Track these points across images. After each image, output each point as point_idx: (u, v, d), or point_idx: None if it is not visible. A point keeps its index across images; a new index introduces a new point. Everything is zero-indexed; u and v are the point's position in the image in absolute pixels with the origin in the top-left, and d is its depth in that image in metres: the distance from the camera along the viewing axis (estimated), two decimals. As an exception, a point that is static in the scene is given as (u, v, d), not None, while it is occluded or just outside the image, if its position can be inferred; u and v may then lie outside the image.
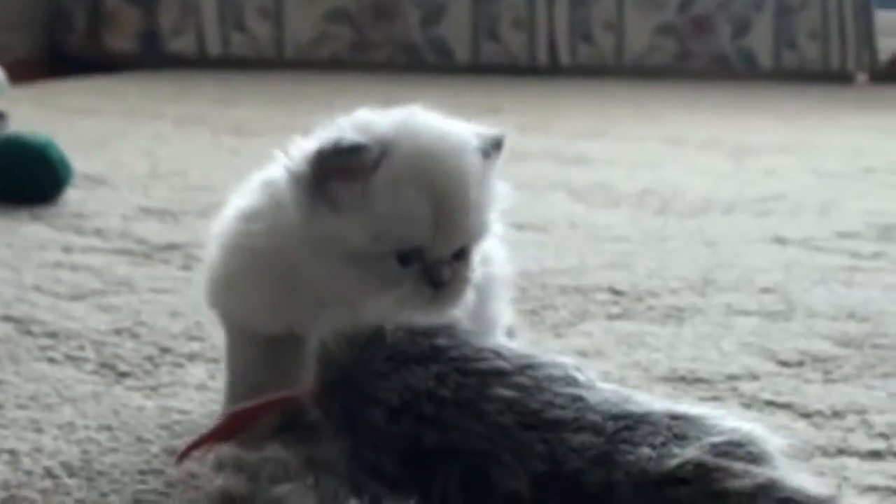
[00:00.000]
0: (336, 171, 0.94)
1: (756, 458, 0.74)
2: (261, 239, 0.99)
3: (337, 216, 0.95)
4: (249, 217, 1.01)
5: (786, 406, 1.18)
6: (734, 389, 1.22)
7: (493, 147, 1.00)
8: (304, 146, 0.97)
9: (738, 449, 0.74)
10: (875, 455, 1.06)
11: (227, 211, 1.05)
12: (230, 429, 0.91)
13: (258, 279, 1.00)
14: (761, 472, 0.71)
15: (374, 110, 1.00)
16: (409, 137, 0.96)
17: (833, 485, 0.78)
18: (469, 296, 1.02)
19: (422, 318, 0.92)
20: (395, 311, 0.92)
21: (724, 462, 0.72)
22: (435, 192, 0.94)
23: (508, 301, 1.15)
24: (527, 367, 0.81)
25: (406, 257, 0.95)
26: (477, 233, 0.99)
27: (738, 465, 0.72)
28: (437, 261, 0.96)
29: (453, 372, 0.80)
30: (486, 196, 0.99)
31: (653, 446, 0.73)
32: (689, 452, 0.72)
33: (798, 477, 0.72)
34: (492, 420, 0.77)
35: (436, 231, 0.95)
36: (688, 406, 0.78)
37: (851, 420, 1.14)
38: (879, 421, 1.14)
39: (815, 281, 1.65)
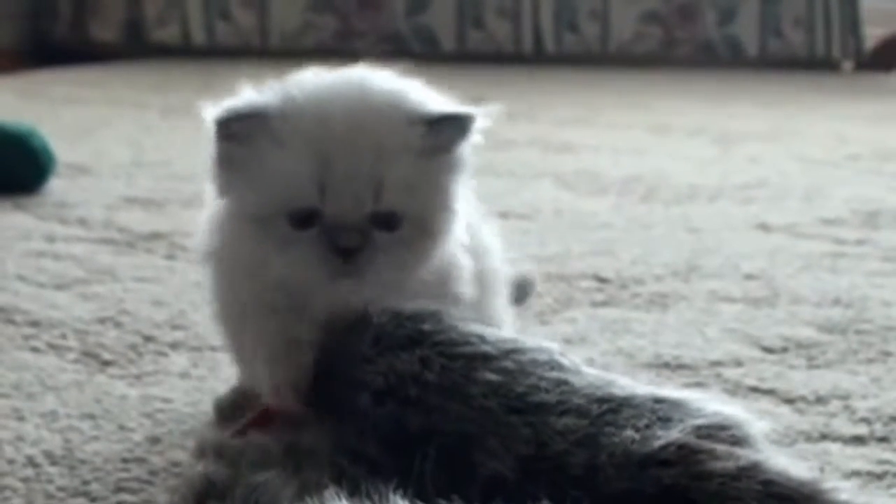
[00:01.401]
0: (227, 134, 0.95)
1: (739, 440, 0.74)
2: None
3: (233, 178, 0.96)
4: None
5: (769, 392, 1.18)
6: (718, 375, 1.22)
7: (443, 121, 0.97)
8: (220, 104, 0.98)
9: (721, 432, 0.74)
10: (858, 440, 1.07)
11: None
12: (265, 419, 0.90)
13: None
14: (744, 455, 0.72)
15: (317, 70, 0.99)
16: (313, 97, 0.95)
17: (815, 467, 0.78)
18: (465, 288, 1.00)
19: (334, 288, 0.92)
20: (297, 272, 0.93)
21: (707, 444, 0.72)
22: (322, 152, 0.93)
23: (507, 297, 1.13)
24: (512, 351, 0.81)
25: (299, 220, 0.94)
26: (402, 203, 0.94)
27: (722, 447, 0.72)
28: (334, 224, 0.93)
29: (438, 356, 0.80)
30: (423, 168, 0.95)
31: (636, 428, 0.73)
32: (673, 434, 0.72)
33: (781, 460, 0.73)
34: (477, 403, 0.77)
35: (323, 193, 0.93)
36: (671, 390, 0.79)
37: (834, 405, 1.14)
38: (862, 406, 1.14)
39: (800, 267, 1.65)
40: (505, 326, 1.07)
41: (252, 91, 0.98)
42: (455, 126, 0.98)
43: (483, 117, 0.99)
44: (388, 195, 0.94)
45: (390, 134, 0.95)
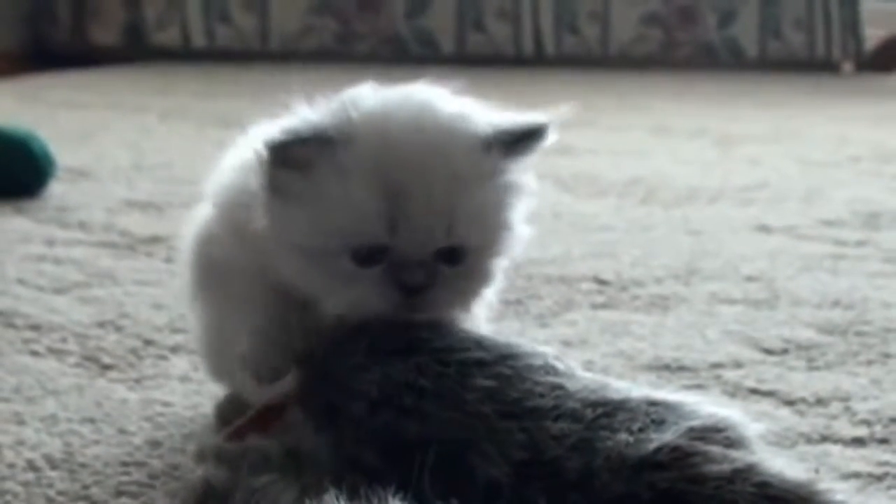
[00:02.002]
0: (282, 160, 0.87)
1: (734, 442, 0.74)
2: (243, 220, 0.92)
3: (287, 207, 0.87)
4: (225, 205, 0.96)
5: (769, 394, 1.18)
6: (718, 377, 1.22)
7: (518, 139, 0.90)
8: (272, 126, 0.90)
9: (716, 434, 0.74)
10: (858, 442, 1.07)
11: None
12: (264, 421, 0.89)
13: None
14: (739, 457, 0.72)
15: (376, 87, 0.91)
16: (377, 123, 0.87)
17: (811, 469, 0.78)
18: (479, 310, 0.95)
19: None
20: (356, 311, 0.86)
21: (701, 446, 0.72)
22: (392, 185, 0.85)
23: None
24: (506, 356, 0.81)
25: (364, 257, 0.87)
26: (469, 235, 0.88)
27: (716, 450, 0.72)
28: (403, 261, 0.86)
29: (433, 363, 0.80)
30: (492, 195, 0.89)
31: (631, 432, 0.73)
32: (667, 437, 0.72)
33: (776, 461, 0.73)
34: (472, 409, 0.77)
35: (394, 229, 0.86)
36: (666, 393, 0.79)
37: (835, 407, 1.14)
38: (863, 408, 1.14)
39: (800, 269, 1.65)
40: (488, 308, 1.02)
41: (307, 109, 0.89)
42: (528, 139, 0.91)
43: (555, 121, 0.92)
44: (460, 228, 0.87)
45: (464, 161, 0.88)
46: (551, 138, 0.93)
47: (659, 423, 0.73)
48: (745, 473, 0.71)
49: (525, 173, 0.92)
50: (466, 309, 0.92)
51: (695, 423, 0.74)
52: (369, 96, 0.90)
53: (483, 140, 0.89)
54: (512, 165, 0.91)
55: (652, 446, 0.72)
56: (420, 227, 0.86)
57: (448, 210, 0.87)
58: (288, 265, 0.89)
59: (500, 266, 0.93)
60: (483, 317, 1.00)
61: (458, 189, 0.87)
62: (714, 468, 0.71)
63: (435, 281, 0.87)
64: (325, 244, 0.87)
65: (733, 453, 0.72)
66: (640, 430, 0.73)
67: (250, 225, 0.90)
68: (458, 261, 0.89)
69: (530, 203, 0.94)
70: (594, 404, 0.76)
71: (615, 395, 0.77)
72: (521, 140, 0.91)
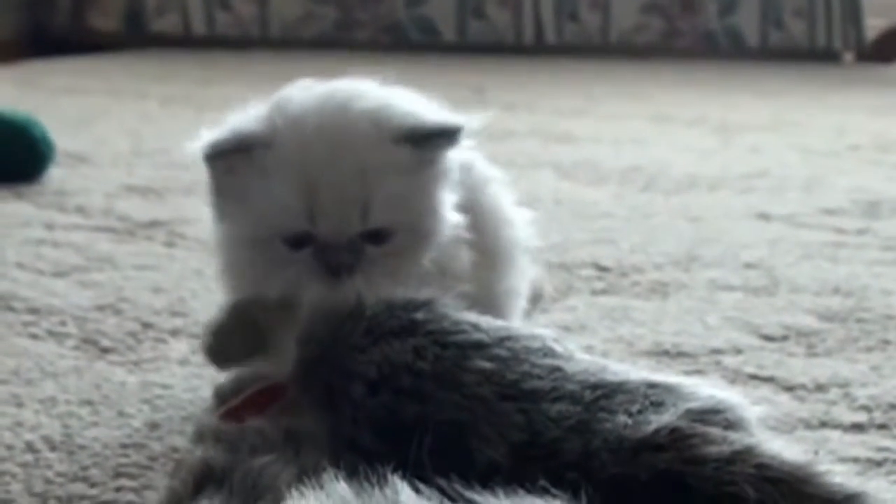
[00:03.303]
0: (216, 166, 0.98)
1: (732, 424, 0.73)
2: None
3: (227, 204, 0.99)
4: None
5: (769, 379, 1.18)
6: (718, 363, 1.22)
7: (430, 136, 0.98)
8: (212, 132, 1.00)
9: (715, 415, 0.73)
10: (857, 427, 1.07)
11: None
12: (262, 402, 0.90)
13: None
14: (738, 439, 0.71)
15: (304, 85, 1.01)
16: (294, 125, 0.97)
17: (809, 451, 0.77)
18: (462, 276, 1.02)
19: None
20: (291, 291, 0.96)
21: (700, 428, 0.72)
22: (306, 180, 0.95)
23: (529, 274, 1.15)
24: (505, 339, 0.81)
25: (293, 241, 0.97)
26: (390, 217, 0.97)
27: (715, 431, 0.72)
28: (325, 245, 0.96)
29: (431, 345, 0.80)
30: (407, 183, 0.97)
31: (629, 413, 0.73)
32: (665, 418, 0.72)
33: (774, 443, 0.72)
34: (470, 391, 0.77)
35: (312, 218, 0.96)
36: (664, 375, 0.78)
37: (834, 393, 1.14)
38: (862, 394, 1.14)
39: (800, 256, 1.65)
40: (517, 298, 1.10)
41: (238, 117, 1.00)
42: (443, 137, 0.99)
43: (470, 125, 1.00)
44: (374, 214, 0.97)
45: (374, 154, 0.97)
46: (464, 141, 1.00)
47: (657, 405, 0.73)
48: (744, 455, 0.71)
49: (449, 165, 1.00)
50: (399, 285, 0.97)
51: (693, 404, 0.73)
52: (295, 99, 1.00)
53: (394, 134, 0.98)
54: (431, 157, 0.99)
55: (650, 428, 0.72)
56: (334, 215, 0.96)
57: (360, 198, 0.96)
58: (234, 255, 1.02)
59: (431, 247, 1.00)
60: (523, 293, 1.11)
61: (369, 179, 0.96)
62: (713, 450, 0.71)
63: (359, 260, 0.97)
64: (259, 233, 0.98)
65: (732, 435, 0.72)
66: (639, 411, 0.73)
67: None
68: (383, 241, 0.98)
69: (456, 192, 1.02)
70: (593, 386, 0.76)
71: (614, 378, 0.77)
72: (434, 137, 0.99)
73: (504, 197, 1.11)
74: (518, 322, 1.08)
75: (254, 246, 0.99)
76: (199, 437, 0.82)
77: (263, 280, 0.99)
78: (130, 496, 0.91)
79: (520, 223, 1.12)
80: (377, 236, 0.97)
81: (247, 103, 1.01)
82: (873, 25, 4.70)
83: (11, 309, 1.33)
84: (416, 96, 1.02)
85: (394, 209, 0.97)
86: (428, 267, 1.00)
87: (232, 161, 0.97)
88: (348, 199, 0.96)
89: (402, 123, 0.98)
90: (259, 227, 0.97)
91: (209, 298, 1.28)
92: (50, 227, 1.69)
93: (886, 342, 1.29)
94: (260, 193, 0.96)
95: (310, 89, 1.01)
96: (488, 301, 1.02)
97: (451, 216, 1.01)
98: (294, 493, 0.69)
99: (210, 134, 0.98)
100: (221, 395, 1.05)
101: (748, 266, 1.59)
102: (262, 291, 0.99)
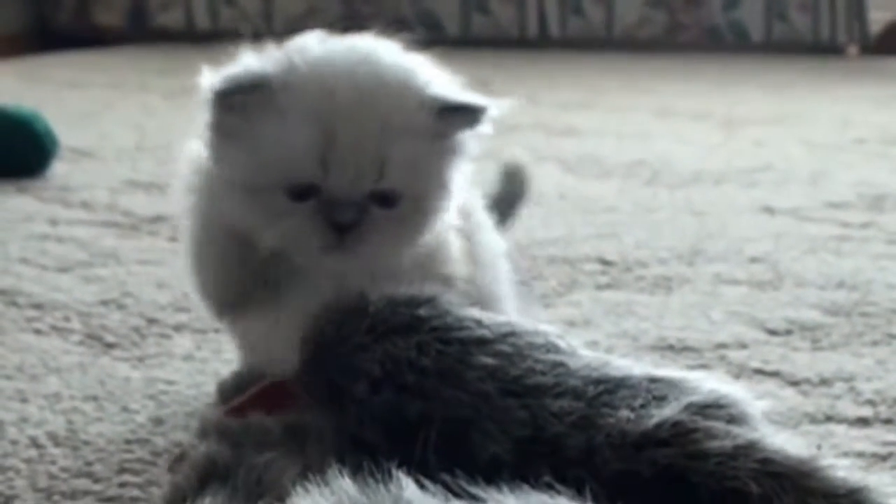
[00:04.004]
0: (223, 104, 0.93)
1: (735, 419, 0.73)
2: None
3: (229, 148, 0.93)
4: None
5: (774, 374, 1.18)
6: (722, 358, 1.22)
7: (462, 113, 0.95)
8: (214, 77, 0.95)
9: (718, 410, 0.73)
10: (862, 422, 1.06)
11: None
12: (266, 399, 0.90)
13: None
14: (741, 433, 0.71)
15: (321, 36, 0.96)
16: (318, 68, 0.92)
17: (812, 445, 0.77)
18: (455, 268, 1.00)
19: (335, 261, 0.92)
20: (289, 244, 0.92)
21: (703, 422, 0.72)
22: (326, 126, 0.91)
23: (508, 277, 1.11)
24: (508, 335, 0.80)
25: (297, 193, 0.92)
26: (404, 182, 0.93)
27: (718, 426, 0.72)
28: (332, 199, 0.92)
29: (435, 341, 0.80)
30: (430, 149, 0.94)
31: (632, 408, 0.73)
32: (667, 412, 0.71)
33: (778, 438, 0.72)
34: (473, 388, 0.77)
35: (325, 168, 0.91)
36: (668, 370, 0.78)
37: (839, 387, 1.14)
38: (867, 388, 1.14)
39: (804, 250, 1.64)
40: (505, 301, 1.07)
41: (252, 58, 0.95)
42: (464, 115, 0.96)
43: (494, 109, 0.97)
44: (390, 173, 0.92)
45: (399, 114, 0.93)
46: (487, 122, 0.97)
47: (660, 400, 0.73)
48: (747, 449, 0.70)
49: (465, 144, 0.97)
50: (395, 256, 0.96)
51: (696, 398, 0.73)
52: (315, 45, 0.95)
53: (420, 98, 0.94)
54: (451, 131, 0.96)
55: (653, 422, 0.71)
56: (349, 169, 0.92)
57: (378, 156, 0.92)
58: (230, 202, 0.95)
59: (434, 223, 0.98)
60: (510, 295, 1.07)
61: (390, 137, 0.92)
62: (715, 444, 0.71)
63: (363, 220, 0.93)
64: (261, 180, 0.92)
65: (735, 429, 0.72)
66: (642, 406, 0.73)
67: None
68: (391, 205, 0.94)
69: (470, 170, 1.00)
70: (596, 381, 0.76)
71: (617, 373, 0.77)
72: (458, 112, 0.95)
73: (475, 204, 1.08)
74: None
75: (252, 194, 0.93)
76: (204, 432, 0.82)
77: (258, 231, 0.94)
78: (134, 492, 0.91)
79: (489, 228, 1.09)
80: (384, 198, 0.93)
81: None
82: (877, 19, 4.69)
83: (15, 304, 1.33)
84: (434, 67, 0.98)
85: (409, 173, 0.93)
86: (420, 259, 0.98)
87: (245, 99, 0.92)
88: (367, 153, 0.91)
89: (430, 90, 0.94)
90: (263, 172, 0.92)
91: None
92: (54, 222, 1.69)
93: (892, 336, 1.29)
94: (271, 136, 0.91)
95: (329, 40, 0.96)
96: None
97: (457, 197, 0.98)
98: (298, 489, 0.69)
99: (222, 71, 0.94)
100: (225, 391, 1.05)
101: (753, 260, 1.59)
102: (255, 242, 0.95)
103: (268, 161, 0.92)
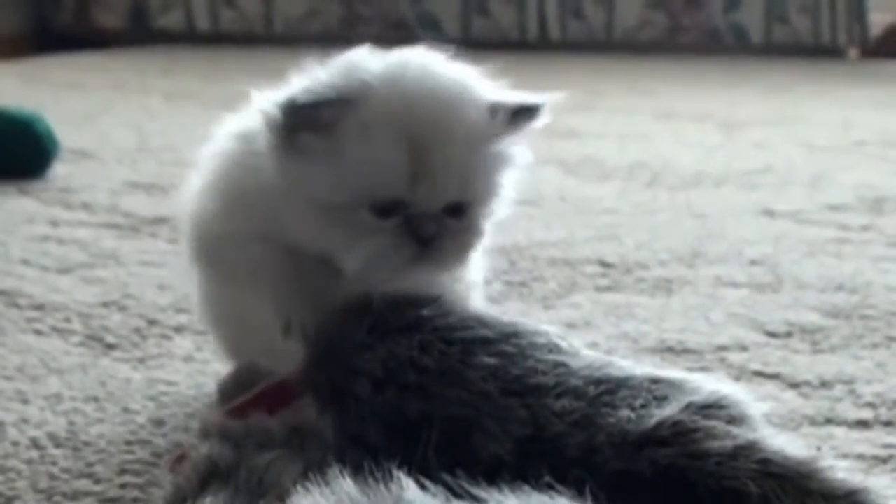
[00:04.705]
0: (304, 121, 0.90)
1: (736, 420, 0.73)
2: (243, 184, 0.95)
3: (306, 166, 0.90)
4: (226, 171, 0.97)
5: (774, 376, 1.18)
6: (722, 360, 1.22)
7: (518, 112, 0.94)
8: (279, 91, 0.93)
9: (718, 410, 0.73)
10: (862, 424, 1.07)
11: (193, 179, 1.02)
12: (268, 399, 0.89)
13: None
14: (741, 434, 0.71)
15: (376, 51, 0.95)
16: (392, 82, 0.91)
17: (812, 446, 0.77)
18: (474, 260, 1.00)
19: (410, 275, 0.91)
20: (373, 263, 0.90)
21: (703, 422, 0.72)
22: (413, 140, 0.89)
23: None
24: (510, 335, 0.80)
25: (383, 209, 0.90)
26: (474, 191, 0.93)
27: (718, 426, 0.72)
28: (419, 214, 0.91)
29: (437, 341, 0.80)
30: (491, 157, 0.93)
31: (633, 408, 0.73)
32: (667, 412, 0.72)
33: (778, 439, 0.72)
34: (475, 387, 0.77)
35: (415, 182, 0.90)
36: (668, 371, 0.78)
37: (839, 390, 1.14)
38: (867, 391, 1.14)
39: (804, 253, 1.65)
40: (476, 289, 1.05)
41: (313, 73, 0.93)
42: (523, 116, 0.96)
43: (549, 107, 0.97)
44: (472, 183, 0.92)
45: (472, 123, 0.92)
46: (544, 119, 0.97)
47: (661, 400, 0.73)
48: (747, 450, 0.71)
49: (518, 147, 0.97)
50: (463, 263, 0.96)
51: (696, 398, 0.73)
52: (372, 59, 0.93)
53: (483, 105, 0.93)
54: (508, 136, 0.95)
55: (653, 422, 0.72)
56: (439, 181, 0.90)
57: (462, 167, 0.91)
58: (304, 223, 0.92)
59: (487, 229, 0.97)
60: (479, 296, 1.04)
61: (471, 146, 0.92)
62: (716, 444, 0.71)
63: (443, 233, 0.92)
64: (346, 198, 0.90)
65: (735, 430, 0.72)
66: (642, 406, 0.73)
67: (252, 189, 0.94)
68: (462, 215, 0.93)
69: (521, 177, 0.99)
70: (597, 381, 0.76)
71: (618, 373, 0.77)
72: (519, 114, 0.95)
73: None
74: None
75: (332, 213, 0.90)
76: (205, 433, 0.82)
77: (338, 252, 0.91)
78: (135, 492, 0.91)
79: None
80: (458, 208, 0.93)
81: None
82: (878, 21, 4.69)
83: (16, 305, 1.33)
84: (481, 76, 0.97)
85: (483, 181, 0.93)
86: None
87: (325, 116, 0.89)
88: (452, 165, 0.90)
89: (490, 96, 0.94)
90: (349, 190, 0.89)
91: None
92: (55, 223, 1.69)
93: (891, 339, 1.29)
94: (356, 153, 0.89)
95: (379, 54, 0.94)
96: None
97: (510, 199, 0.98)
98: (299, 489, 0.69)
99: (291, 89, 0.91)
100: (225, 392, 1.05)
101: (753, 263, 1.59)
102: (336, 263, 0.91)
103: (354, 179, 0.90)
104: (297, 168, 0.91)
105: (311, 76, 0.92)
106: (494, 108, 0.93)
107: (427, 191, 0.90)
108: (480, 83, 0.95)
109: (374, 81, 0.90)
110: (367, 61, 0.93)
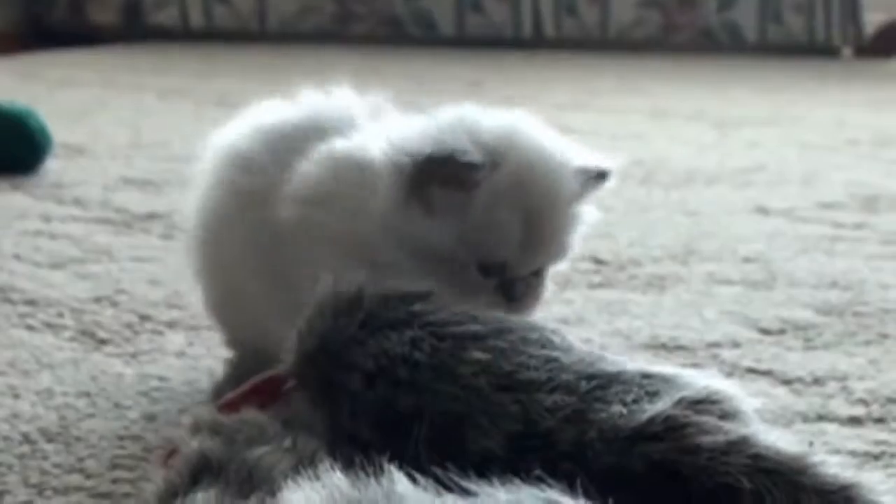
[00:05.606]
0: (443, 179, 0.92)
1: (728, 415, 0.73)
2: (340, 224, 0.95)
3: (429, 218, 0.93)
4: (319, 198, 0.96)
5: (766, 373, 1.18)
6: (715, 357, 1.22)
7: (593, 177, 0.98)
8: (404, 134, 0.94)
9: (710, 405, 0.73)
10: (854, 421, 1.07)
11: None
12: (260, 394, 0.89)
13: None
14: (733, 429, 0.71)
15: (476, 107, 0.97)
16: (516, 153, 0.94)
17: (805, 442, 0.77)
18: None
19: None
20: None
21: (695, 417, 0.72)
22: (529, 211, 0.94)
23: None
24: (502, 330, 0.80)
25: (488, 270, 0.94)
26: (560, 254, 0.98)
27: (710, 421, 0.72)
28: (515, 277, 0.95)
29: (429, 336, 0.80)
30: (575, 220, 0.98)
31: (625, 403, 0.73)
32: (659, 407, 0.71)
33: (770, 434, 0.72)
34: (466, 382, 0.77)
35: (525, 248, 0.94)
36: (661, 366, 0.78)
37: (831, 387, 1.14)
38: (859, 387, 1.14)
39: (797, 250, 1.65)
40: None
41: (419, 128, 0.95)
42: (598, 179, 0.99)
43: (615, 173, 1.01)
44: (563, 250, 0.98)
45: (570, 186, 0.96)
46: (611, 182, 1.01)
47: (653, 395, 0.73)
48: (739, 445, 0.70)
49: (587, 205, 1.01)
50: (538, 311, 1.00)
51: (688, 394, 0.73)
52: (484, 118, 0.96)
53: (574, 171, 0.97)
54: (586, 198, 1.00)
55: (645, 417, 0.71)
56: (545, 247, 0.96)
57: (565, 236, 0.97)
58: (402, 261, 0.94)
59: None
60: None
61: (568, 214, 0.97)
62: (708, 439, 0.71)
63: (527, 291, 0.97)
64: (459, 255, 0.94)
65: (727, 425, 0.72)
66: (634, 401, 0.73)
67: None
68: (540, 275, 0.98)
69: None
70: (589, 377, 0.76)
71: (610, 368, 0.77)
72: (594, 178, 0.99)
73: None
74: None
75: (440, 263, 0.93)
76: (196, 427, 0.82)
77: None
78: (126, 488, 0.91)
79: None
80: (539, 268, 0.98)
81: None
82: (872, 20, 4.70)
83: (8, 300, 1.32)
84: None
85: (568, 245, 0.98)
86: None
87: (467, 179, 0.92)
88: (557, 234, 0.96)
89: (577, 159, 0.98)
90: (463, 248, 0.93)
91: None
92: (47, 218, 1.68)
93: (884, 336, 1.29)
94: (479, 216, 0.92)
95: (482, 110, 0.97)
96: None
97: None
98: (290, 483, 0.69)
99: (421, 141, 0.92)
100: (219, 389, 1.05)
101: (746, 260, 1.59)
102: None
103: (474, 238, 0.93)
104: (416, 217, 0.93)
105: (437, 129, 0.94)
106: (580, 173, 0.97)
107: (530, 257, 0.95)
108: (568, 148, 0.99)
109: (499, 148, 0.94)
110: (481, 122, 0.96)
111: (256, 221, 0.99)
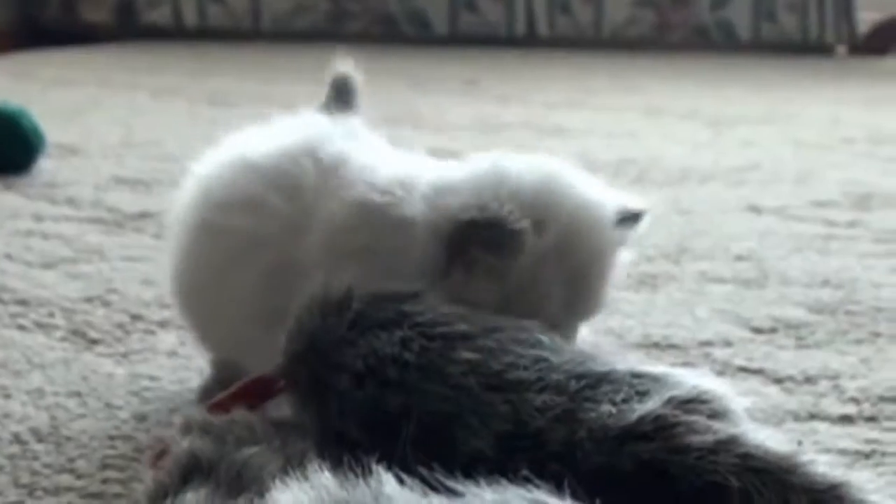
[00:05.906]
0: (486, 243, 0.90)
1: (717, 414, 0.74)
2: (374, 280, 0.90)
3: (468, 277, 0.90)
4: (355, 252, 0.93)
5: (758, 371, 1.18)
6: (707, 355, 1.22)
7: (629, 221, 0.96)
8: (440, 191, 0.92)
9: (700, 405, 0.74)
10: (846, 419, 1.07)
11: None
12: (249, 394, 0.89)
13: None
14: (722, 428, 0.71)
15: (507, 155, 0.95)
16: (558, 212, 0.91)
17: (794, 441, 0.77)
18: None
19: None
20: None
21: (684, 416, 0.72)
22: (572, 271, 0.91)
23: None
24: (492, 330, 0.81)
25: None
26: (600, 308, 0.96)
27: (700, 420, 0.72)
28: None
29: (418, 336, 0.80)
30: (614, 270, 0.96)
31: (614, 403, 0.73)
32: (649, 406, 0.72)
33: (759, 434, 0.73)
34: (455, 382, 0.77)
35: (566, 309, 0.92)
36: (651, 365, 0.79)
37: (823, 385, 1.14)
38: (851, 386, 1.14)
39: (790, 249, 1.65)
40: None
41: (455, 181, 0.93)
42: (631, 220, 0.97)
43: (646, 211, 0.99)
44: (602, 304, 0.95)
45: (611, 242, 0.94)
46: (644, 224, 0.98)
47: (642, 395, 0.73)
48: (729, 444, 0.71)
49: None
50: None
51: (678, 393, 0.73)
52: (521, 170, 0.93)
53: (612, 220, 0.95)
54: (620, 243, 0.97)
55: (634, 416, 0.72)
56: (587, 306, 0.94)
57: (604, 293, 0.94)
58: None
59: None
60: None
61: (609, 266, 0.94)
62: (697, 439, 0.71)
63: None
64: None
65: (717, 424, 0.72)
66: (624, 400, 0.73)
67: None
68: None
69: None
70: (578, 376, 0.76)
71: (600, 368, 0.77)
72: (630, 218, 0.97)
73: None
74: None
75: None
76: (186, 427, 0.82)
77: None
78: (117, 488, 0.91)
79: None
80: None
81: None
82: (866, 18, 4.70)
83: (0, 300, 1.32)
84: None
85: (606, 295, 0.96)
86: None
87: (511, 246, 0.89)
88: (602, 288, 0.94)
89: (613, 205, 0.95)
90: (505, 308, 0.89)
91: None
92: (39, 218, 1.68)
93: (876, 334, 1.29)
94: (522, 279, 0.90)
95: (518, 162, 0.94)
96: None
97: None
98: (279, 484, 0.69)
99: (470, 204, 0.90)
100: (207, 389, 1.05)
101: (738, 258, 1.59)
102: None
103: (513, 300, 0.90)
104: (454, 276, 0.90)
105: (462, 182, 0.92)
106: (617, 221, 0.95)
107: (572, 317, 0.93)
108: (604, 194, 0.96)
109: (539, 206, 0.91)
110: (520, 177, 0.93)
111: (267, 266, 0.95)
